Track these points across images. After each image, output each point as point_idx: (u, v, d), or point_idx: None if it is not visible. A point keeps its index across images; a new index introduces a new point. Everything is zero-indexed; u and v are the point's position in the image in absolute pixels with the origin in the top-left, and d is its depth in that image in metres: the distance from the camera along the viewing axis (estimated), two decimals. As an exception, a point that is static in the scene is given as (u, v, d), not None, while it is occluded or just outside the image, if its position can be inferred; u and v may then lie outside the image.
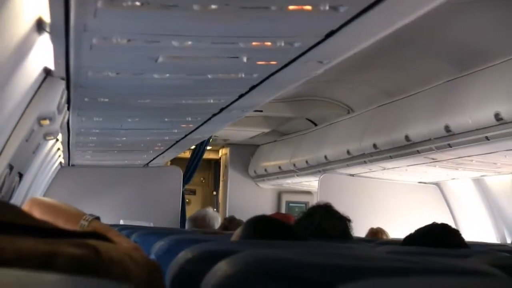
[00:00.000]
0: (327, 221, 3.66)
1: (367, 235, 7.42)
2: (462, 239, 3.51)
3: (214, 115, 6.79)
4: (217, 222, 6.87)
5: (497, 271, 1.60)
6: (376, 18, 3.45)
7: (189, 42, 3.84)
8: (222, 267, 1.53)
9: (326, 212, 3.74)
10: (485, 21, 5.61)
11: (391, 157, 8.07)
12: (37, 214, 1.74)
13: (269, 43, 3.96)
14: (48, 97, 5.81)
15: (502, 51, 5.85)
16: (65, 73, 4.99)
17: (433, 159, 7.70)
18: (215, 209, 14.09)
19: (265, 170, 12.79)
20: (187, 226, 7.30)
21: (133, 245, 1.58)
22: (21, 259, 1.18)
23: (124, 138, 8.78)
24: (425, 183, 10.49)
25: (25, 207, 1.79)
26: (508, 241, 8.83)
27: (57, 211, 1.81)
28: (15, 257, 1.18)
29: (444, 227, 3.56)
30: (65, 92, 5.76)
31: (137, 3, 3.29)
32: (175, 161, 12.87)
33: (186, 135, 8.42)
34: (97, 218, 1.82)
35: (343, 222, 3.71)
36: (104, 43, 4.02)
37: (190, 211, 11.98)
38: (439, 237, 3.41)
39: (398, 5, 3.26)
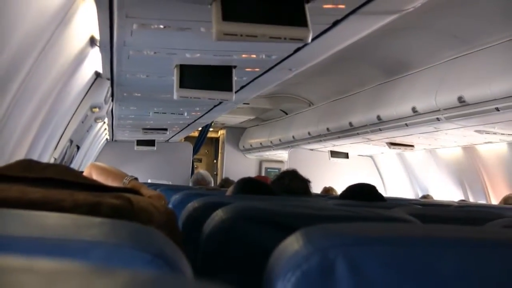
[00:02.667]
0: (293, 182, 3.64)
1: (322, 192, 7.41)
2: (379, 193, 3.50)
3: (215, 106, 6.81)
4: (210, 179, 6.84)
5: (413, 218, 1.60)
6: (330, 40, 3.45)
7: (197, 54, 3.83)
8: (219, 214, 1.53)
9: (293, 175, 3.72)
10: (406, 42, 5.61)
11: (339, 137, 8.11)
12: (95, 174, 1.76)
13: (254, 56, 3.95)
14: (98, 92, 5.81)
15: (417, 63, 5.86)
16: (110, 75, 4.98)
17: (368, 139, 7.72)
18: (214, 173, 14.13)
19: (251, 145, 12.80)
20: (191, 184, 7.30)
21: (158, 194, 1.58)
22: (76, 207, 1.17)
23: (152, 122, 8.79)
24: (362, 155, 10.53)
25: (86, 169, 1.81)
26: (420, 197, 8.88)
27: (109, 172, 1.82)
28: (72, 206, 1.17)
29: (365, 185, 3.55)
30: (110, 89, 5.76)
31: (161, 26, 3.28)
32: (187, 138, 12.84)
33: (195, 120, 8.42)
34: (136, 178, 1.83)
35: (304, 183, 3.69)
36: (138, 54, 4.00)
37: (197, 174, 11.99)
38: (361, 192, 3.41)
39: (344, 30, 3.25)
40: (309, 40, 2.74)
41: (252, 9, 2.70)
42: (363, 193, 3.35)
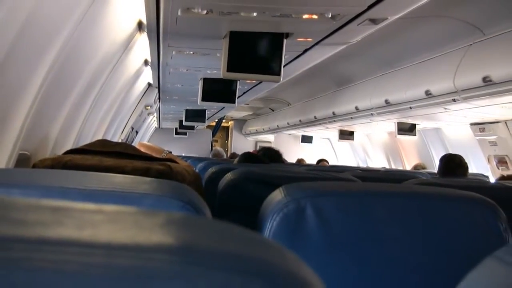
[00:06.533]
0: (273, 154, 3.60)
1: (296, 162, 7.42)
2: (327, 163, 3.51)
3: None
4: (223, 153, 6.83)
5: (356, 179, 1.59)
6: (301, 62, 3.43)
7: (215, 71, 3.81)
8: (229, 176, 1.52)
9: (267, 149, 3.69)
10: (351, 64, 5.58)
11: (307, 126, 8.08)
12: (143, 149, 1.74)
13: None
14: (149, 96, 5.79)
15: (358, 78, 5.84)
16: (157, 85, 4.96)
17: (327, 127, 7.71)
18: (226, 149, 14.11)
19: (250, 131, 12.77)
20: (211, 156, 7.29)
21: (187, 164, 1.57)
22: (134, 171, 1.16)
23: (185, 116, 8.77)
24: (323, 138, 10.52)
25: (137, 145, 1.78)
26: (360, 165, 8.90)
27: (151, 148, 1.80)
28: (131, 170, 1.17)
29: (323, 159, 3.55)
30: (157, 94, 5.74)
31: (191, 52, 3.26)
32: (208, 127, 12.79)
33: (213, 115, 8.40)
34: (170, 152, 1.81)
35: (277, 152, 3.63)
36: (176, 71, 3.98)
37: (215, 150, 11.96)
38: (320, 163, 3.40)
39: (311, 55, 3.23)
40: (280, 81, 2.90)
41: (245, 64, 2.75)
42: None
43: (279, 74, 2.77)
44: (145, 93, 5.58)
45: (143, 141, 9.49)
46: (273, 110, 10.81)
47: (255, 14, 2.28)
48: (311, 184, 0.95)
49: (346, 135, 8.00)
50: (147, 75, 4.58)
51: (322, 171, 2.01)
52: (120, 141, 5.86)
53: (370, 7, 2.14)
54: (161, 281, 0.26)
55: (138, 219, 0.31)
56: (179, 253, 0.27)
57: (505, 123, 5.12)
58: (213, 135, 13.47)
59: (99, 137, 4.13)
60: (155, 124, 11.02)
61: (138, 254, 0.27)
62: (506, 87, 3.38)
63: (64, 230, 0.28)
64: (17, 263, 0.25)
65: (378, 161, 8.50)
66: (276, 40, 2.70)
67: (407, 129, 6.20)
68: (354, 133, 7.99)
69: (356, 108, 5.78)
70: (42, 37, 1.78)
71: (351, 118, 6.16)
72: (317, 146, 10.44)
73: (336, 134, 8.12)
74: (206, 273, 0.27)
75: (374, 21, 2.35)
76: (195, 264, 0.27)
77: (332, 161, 9.30)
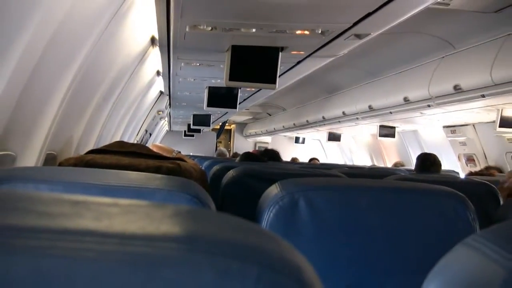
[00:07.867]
0: (269, 152, 3.59)
1: (290, 160, 7.40)
2: (318, 161, 3.49)
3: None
4: (226, 152, 6.80)
5: (343, 175, 1.59)
6: (294, 72, 3.43)
7: (219, 80, 3.80)
8: (231, 173, 1.52)
9: (267, 150, 3.68)
10: (339, 74, 5.58)
11: (300, 128, 8.07)
12: (155, 149, 1.73)
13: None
14: (161, 102, 5.78)
15: (345, 86, 5.84)
16: (168, 93, 4.95)
17: (318, 129, 7.70)
18: (228, 149, 14.07)
19: (249, 133, 12.74)
20: (215, 155, 7.26)
21: (194, 162, 1.56)
22: (147, 168, 1.16)
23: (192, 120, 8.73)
24: (314, 139, 10.50)
25: (150, 146, 1.77)
26: (347, 163, 8.89)
27: (163, 148, 1.79)
28: (145, 167, 1.16)
29: (314, 157, 3.54)
30: (168, 100, 5.73)
31: (198, 64, 3.25)
32: (213, 130, 12.73)
33: (217, 119, 8.38)
34: (180, 152, 1.80)
35: (276, 152, 3.62)
36: (184, 81, 3.97)
37: (219, 149, 11.90)
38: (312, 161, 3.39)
39: (303, 67, 3.23)
40: (276, 89, 2.88)
41: (245, 74, 2.74)
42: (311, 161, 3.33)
43: (275, 83, 2.77)
44: (157, 100, 5.58)
45: (155, 142, 9.49)
46: (270, 115, 10.80)
47: (254, 30, 2.28)
48: (303, 180, 0.95)
49: (334, 136, 7.99)
50: (159, 84, 4.57)
51: (313, 168, 2.01)
52: (135, 142, 5.86)
53: (355, 24, 2.14)
54: (169, 266, 0.26)
55: (149, 211, 0.31)
56: (185, 242, 0.27)
57: (473, 126, 5.13)
58: (217, 137, 13.44)
59: (117, 138, 4.12)
60: (166, 127, 11.01)
61: (148, 242, 0.26)
62: (474, 94, 3.39)
63: (83, 221, 0.28)
64: (43, 251, 0.25)
65: (362, 160, 8.49)
66: (273, 53, 2.70)
67: (388, 131, 6.20)
68: (342, 135, 7.97)
69: (343, 113, 5.78)
70: (68, 50, 1.78)
71: (339, 121, 6.16)
72: (309, 146, 10.42)
73: (325, 135, 8.11)
74: (209, 260, 0.27)
75: (359, 36, 2.35)
76: (199, 252, 0.27)
77: (322, 160, 9.28)
